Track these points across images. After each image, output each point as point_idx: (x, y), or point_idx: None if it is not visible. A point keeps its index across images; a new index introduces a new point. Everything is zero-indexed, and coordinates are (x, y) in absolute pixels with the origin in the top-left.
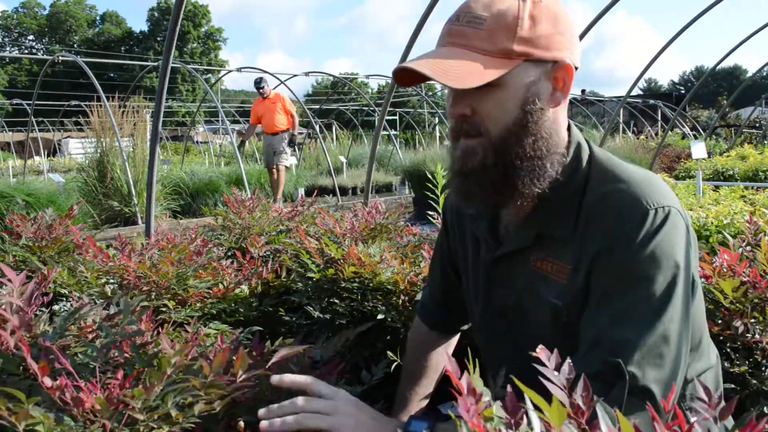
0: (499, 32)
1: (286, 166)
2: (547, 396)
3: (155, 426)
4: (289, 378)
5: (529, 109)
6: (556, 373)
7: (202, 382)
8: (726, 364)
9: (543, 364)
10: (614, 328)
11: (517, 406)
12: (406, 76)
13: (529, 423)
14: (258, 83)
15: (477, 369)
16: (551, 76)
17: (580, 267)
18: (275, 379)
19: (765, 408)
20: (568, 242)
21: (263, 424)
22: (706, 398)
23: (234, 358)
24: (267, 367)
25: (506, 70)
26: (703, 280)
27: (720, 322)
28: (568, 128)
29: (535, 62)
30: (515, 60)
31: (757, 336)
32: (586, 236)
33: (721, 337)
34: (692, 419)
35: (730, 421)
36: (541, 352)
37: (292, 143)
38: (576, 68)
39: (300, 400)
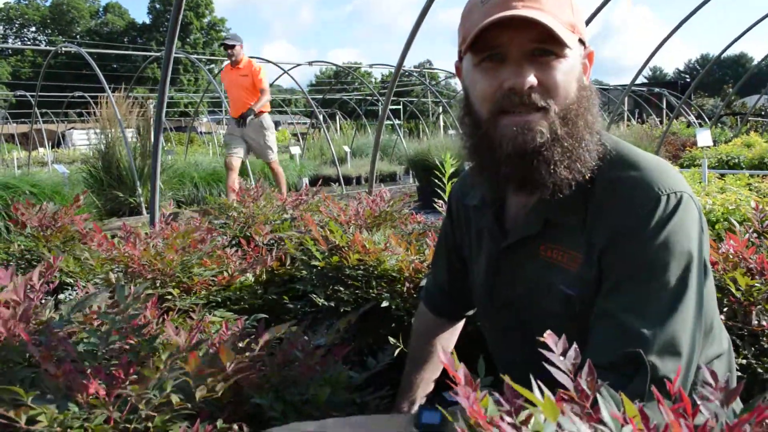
0: (563, 5)
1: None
2: (555, 383)
3: (155, 414)
4: None
5: (583, 84)
6: (561, 358)
7: (194, 372)
8: (733, 354)
9: (550, 350)
10: (630, 317)
11: (515, 394)
12: (496, 33)
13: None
14: (226, 40)
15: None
16: (583, 61)
17: (592, 255)
18: None
19: None
20: (579, 230)
21: None
22: (713, 383)
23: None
24: (258, 349)
25: (575, 39)
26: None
27: (726, 309)
28: None
29: (581, 43)
30: (575, 34)
31: (764, 323)
32: (597, 224)
33: (728, 324)
34: (698, 402)
35: (739, 405)
36: (548, 337)
37: (242, 121)
38: None
39: None
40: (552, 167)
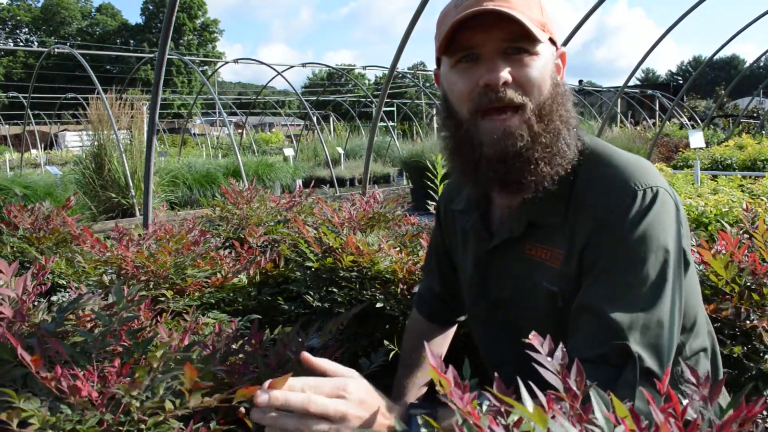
0: (532, 5)
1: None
2: (545, 381)
3: (147, 417)
4: (283, 398)
5: (556, 81)
6: (549, 359)
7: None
8: (724, 352)
9: (536, 351)
10: (612, 310)
11: (506, 394)
12: (469, 32)
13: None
14: None
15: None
16: (556, 60)
17: (572, 252)
18: (262, 399)
19: (765, 392)
20: (560, 228)
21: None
22: (694, 380)
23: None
24: (251, 350)
25: (546, 38)
26: (701, 266)
27: (715, 307)
28: None
29: (552, 43)
30: (546, 33)
31: (755, 321)
32: (577, 221)
33: (718, 324)
34: (684, 402)
35: (726, 399)
36: (533, 338)
37: None
38: None
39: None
40: (533, 166)
